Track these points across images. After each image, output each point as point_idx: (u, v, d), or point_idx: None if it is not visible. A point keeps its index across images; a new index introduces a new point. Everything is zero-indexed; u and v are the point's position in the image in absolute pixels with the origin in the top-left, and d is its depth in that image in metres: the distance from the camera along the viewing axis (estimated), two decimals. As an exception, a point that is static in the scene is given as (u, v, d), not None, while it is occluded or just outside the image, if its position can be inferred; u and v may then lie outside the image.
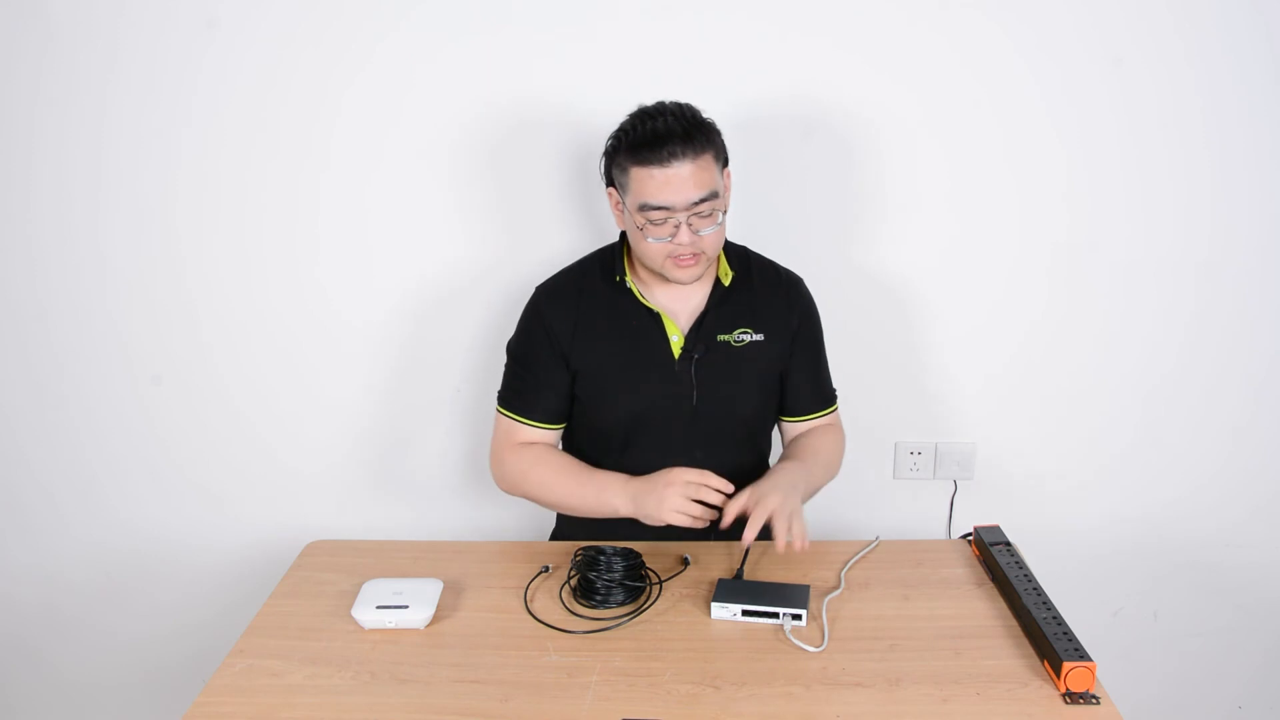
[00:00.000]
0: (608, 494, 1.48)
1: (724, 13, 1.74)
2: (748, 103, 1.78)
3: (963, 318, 1.90)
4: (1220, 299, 1.87)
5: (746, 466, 1.60)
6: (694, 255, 1.44)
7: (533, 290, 1.60)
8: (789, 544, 1.36)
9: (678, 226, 1.41)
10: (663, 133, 1.38)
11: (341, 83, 1.80)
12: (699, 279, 1.51)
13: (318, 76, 1.79)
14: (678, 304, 1.55)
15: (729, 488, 1.41)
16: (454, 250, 1.89)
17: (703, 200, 1.40)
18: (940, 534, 2.02)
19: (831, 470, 1.61)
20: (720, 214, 1.44)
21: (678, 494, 1.41)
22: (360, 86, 1.80)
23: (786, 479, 1.45)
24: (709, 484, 1.41)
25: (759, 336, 1.55)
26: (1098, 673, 1.18)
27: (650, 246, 1.44)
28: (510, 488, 1.59)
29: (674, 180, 1.38)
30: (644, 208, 1.41)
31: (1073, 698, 1.17)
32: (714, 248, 1.46)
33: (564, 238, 1.85)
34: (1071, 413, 1.94)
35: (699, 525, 1.42)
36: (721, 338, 1.54)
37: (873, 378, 1.92)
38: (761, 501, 1.38)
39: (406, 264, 1.90)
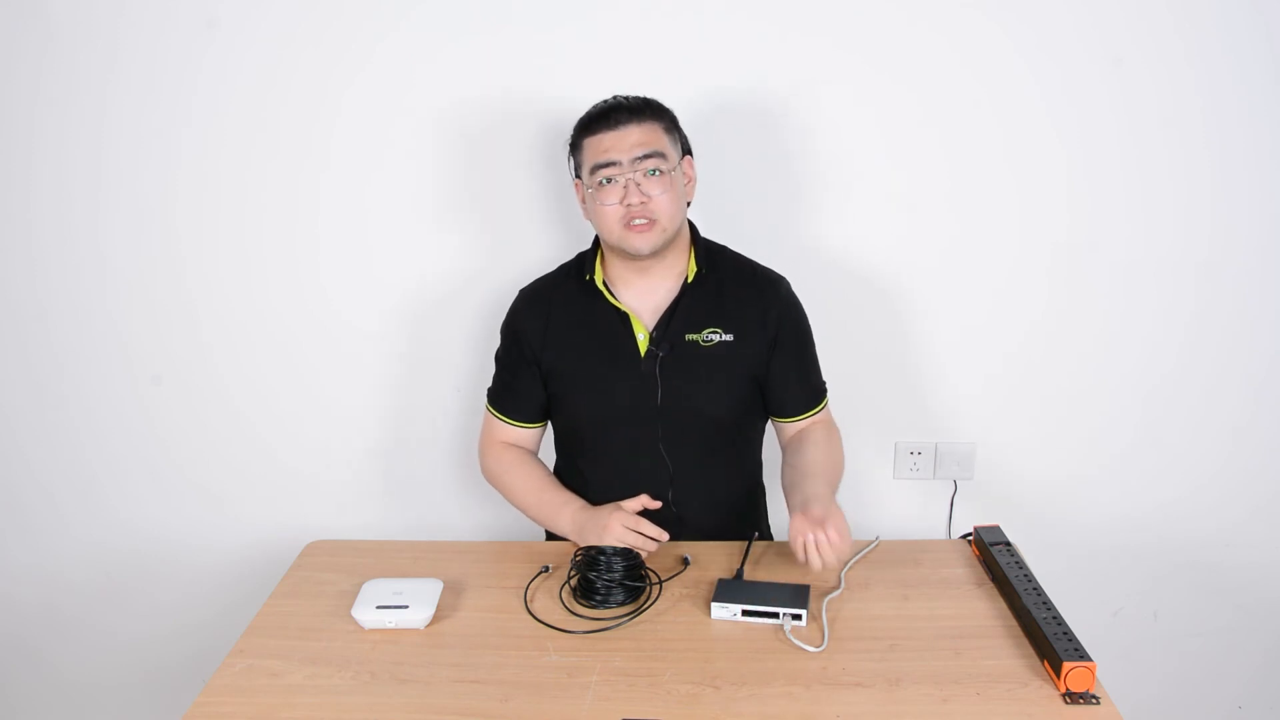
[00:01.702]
0: (558, 517, 1.56)
1: (724, 13, 1.74)
2: (747, 102, 1.78)
3: (963, 318, 1.90)
4: (1220, 299, 1.87)
5: (721, 471, 1.60)
6: (648, 221, 1.47)
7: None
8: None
9: (626, 187, 1.46)
10: (611, 105, 1.50)
11: (341, 83, 1.80)
12: (657, 252, 1.50)
13: (318, 76, 1.79)
14: (644, 301, 1.56)
15: (664, 536, 1.47)
16: (454, 250, 1.89)
17: (648, 156, 1.46)
18: (940, 534, 2.02)
19: (840, 468, 1.59)
20: (670, 177, 1.48)
21: (616, 533, 1.46)
22: (360, 86, 1.80)
23: (818, 493, 1.44)
24: (644, 531, 1.46)
25: (729, 337, 1.54)
26: (1098, 673, 1.18)
27: (607, 215, 1.48)
28: (489, 481, 1.69)
29: (621, 139, 1.47)
30: (594, 169, 1.48)
31: (1073, 698, 1.17)
32: (667, 215, 1.48)
33: (565, 237, 1.85)
34: (1071, 413, 1.94)
35: (641, 552, 1.45)
36: (690, 337, 1.54)
37: (873, 378, 1.92)
38: (807, 508, 1.39)
39: (407, 264, 1.90)
